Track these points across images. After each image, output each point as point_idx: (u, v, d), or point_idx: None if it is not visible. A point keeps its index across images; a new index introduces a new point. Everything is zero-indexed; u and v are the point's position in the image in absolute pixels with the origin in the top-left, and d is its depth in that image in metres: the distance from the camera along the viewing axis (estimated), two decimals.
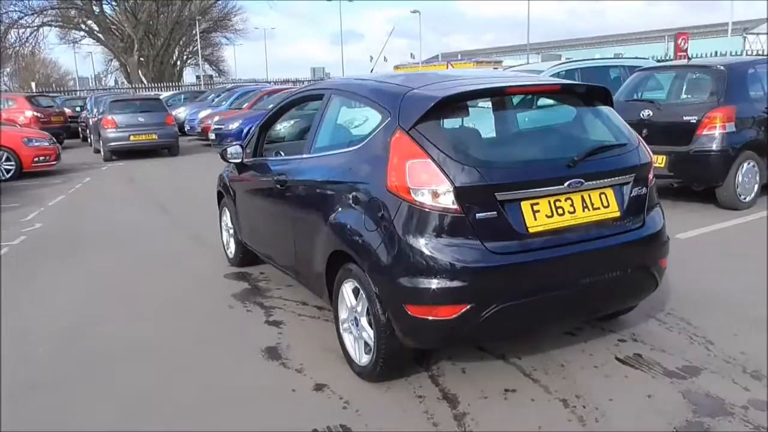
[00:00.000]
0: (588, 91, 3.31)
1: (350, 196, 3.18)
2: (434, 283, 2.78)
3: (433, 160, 2.82)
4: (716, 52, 25.03)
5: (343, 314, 3.40)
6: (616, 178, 3.10)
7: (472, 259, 2.78)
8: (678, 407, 2.87)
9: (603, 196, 3.07)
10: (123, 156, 15.08)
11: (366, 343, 3.20)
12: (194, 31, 52.43)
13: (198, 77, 52.66)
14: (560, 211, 2.94)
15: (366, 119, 3.70)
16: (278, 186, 4.00)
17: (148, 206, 8.84)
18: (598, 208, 3.04)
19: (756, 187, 6.72)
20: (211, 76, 54.75)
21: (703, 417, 2.78)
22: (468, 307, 2.78)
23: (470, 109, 3.07)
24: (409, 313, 2.85)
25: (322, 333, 3.89)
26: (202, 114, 18.99)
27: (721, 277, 4.63)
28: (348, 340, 3.38)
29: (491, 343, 3.47)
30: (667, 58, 25.80)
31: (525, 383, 3.14)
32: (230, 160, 4.74)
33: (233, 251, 5.39)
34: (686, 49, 30.79)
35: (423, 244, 2.80)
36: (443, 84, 3.19)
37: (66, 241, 6.83)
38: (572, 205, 2.98)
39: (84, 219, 8.11)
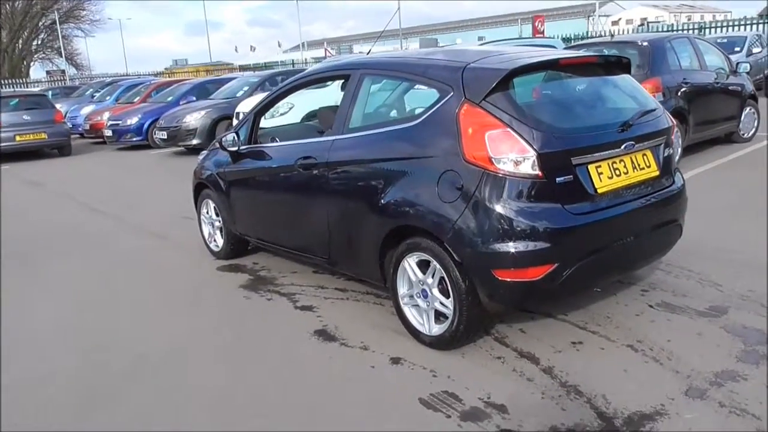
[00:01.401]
0: (616, 61, 3.58)
1: (413, 171, 3.24)
2: (522, 246, 2.93)
3: (513, 129, 2.95)
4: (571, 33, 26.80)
5: (403, 289, 3.45)
6: (655, 140, 3.40)
7: (555, 221, 2.95)
8: (728, 340, 3.22)
9: (645, 157, 3.35)
10: (7, 159, 13.78)
11: (439, 313, 3.28)
12: (42, 22, 48.58)
13: (48, 72, 48.88)
14: (617, 172, 3.19)
15: (414, 95, 3.74)
16: (301, 170, 3.94)
17: (81, 210, 8.23)
18: (644, 168, 3.32)
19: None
20: (63, 71, 50.99)
21: (755, 345, 3.14)
22: (554, 266, 2.96)
23: (528, 80, 3.22)
24: (497, 277, 2.97)
25: (362, 312, 3.92)
26: (86, 110, 17.75)
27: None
28: (412, 313, 3.44)
29: (568, 298, 3.64)
30: (588, 35, 27.17)
31: (586, 335, 3.38)
32: (229, 149, 4.58)
33: (221, 244, 5.21)
34: (543, 30, 32.89)
35: (508, 210, 2.93)
36: (493, 58, 3.32)
37: (16, 247, 6.23)
38: (625, 166, 3.23)
39: (17, 225, 7.40)
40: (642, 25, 40.17)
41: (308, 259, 4.35)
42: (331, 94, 8.68)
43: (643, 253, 3.46)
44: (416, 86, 3.54)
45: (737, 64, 8.62)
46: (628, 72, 3.68)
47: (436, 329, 3.31)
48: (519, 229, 2.92)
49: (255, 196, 4.63)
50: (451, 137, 3.09)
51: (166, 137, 12.82)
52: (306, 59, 43.05)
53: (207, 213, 5.32)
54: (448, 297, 3.20)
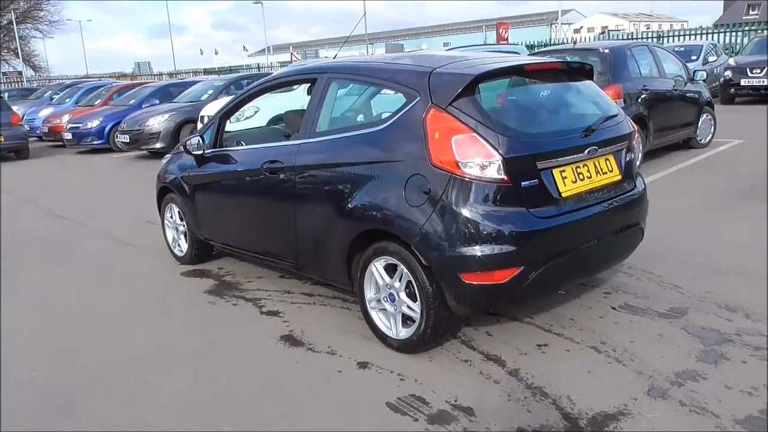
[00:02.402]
0: (578, 67, 3.65)
1: (380, 175, 3.25)
2: (488, 250, 2.95)
3: (479, 134, 2.98)
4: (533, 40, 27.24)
5: (370, 293, 3.46)
6: (617, 145, 3.47)
7: (521, 225, 2.99)
8: (688, 341, 3.30)
9: (607, 161, 3.42)
10: None
11: (407, 317, 3.29)
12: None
13: (4, 74, 47.62)
14: (581, 176, 3.24)
15: (381, 100, 3.75)
16: (267, 174, 3.92)
17: (43, 215, 8.03)
18: (606, 173, 3.39)
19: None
20: (20, 72, 49.76)
21: (713, 345, 3.23)
22: (519, 269, 2.99)
23: (494, 85, 3.26)
24: (463, 280, 2.99)
25: (329, 316, 3.91)
26: (45, 113, 17.38)
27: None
28: (379, 317, 3.44)
29: (534, 300, 3.68)
30: (551, 42, 27.51)
31: (551, 338, 3.42)
32: (193, 152, 4.52)
33: (185, 249, 5.14)
34: (507, 37, 33.38)
35: (475, 213, 2.95)
36: (459, 64, 3.35)
37: None
38: (589, 170, 3.29)
39: None
40: (603, 33, 41.05)
41: (275, 264, 4.32)
42: (297, 98, 8.71)
43: (607, 256, 3.53)
44: (383, 91, 3.55)
45: (694, 72, 8.85)
46: (591, 78, 3.75)
47: (404, 333, 3.31)
48: (485, 232, 2.95)
49: (220, 200, 4.59)
50: (418, 141, 3.11)
51: (128, 141, 12.61)
52: (271, 63, 42.88)
53: (171, 217, 5.25)
54: (415, 300, 3.21)
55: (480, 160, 2.95)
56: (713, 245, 4.79)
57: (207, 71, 40.00)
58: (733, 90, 14.55)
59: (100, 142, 13.99)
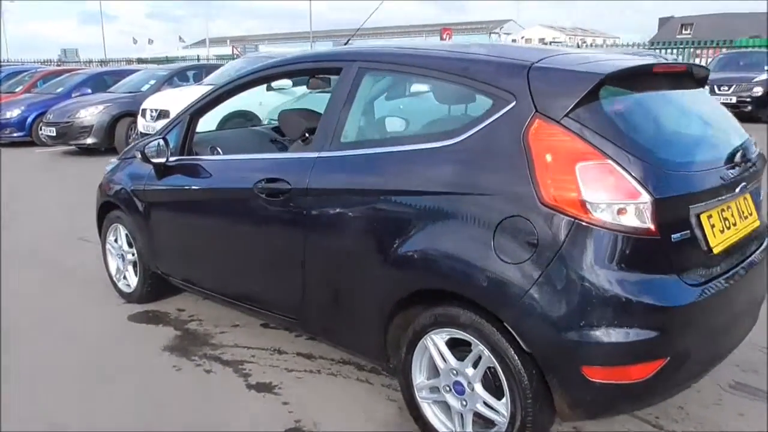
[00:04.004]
0: (697, 72, 2.72)
1: (452, 212, 2.23)
2: (625, 335, 1.98)
3: (617, 162, 2.01)
4: None
5: (421, 377, 2.44)
6: (758, 180, 2.58)
7: (672, 298, 2.03)
8: None
9: (746, 201, 2.51)
10: None
11: (482, 418, 2.28)
12: None
13: None
14: (727, 222, 2.32)
15: (445, 104, 2.71)
16: (263, 196, 2.83)
17: None
18: (747, 217, 2.48)
19: None
20: None
21: None
22: (665, 361, 2.04)
23: (617, 92, 2.28)
24: (586, 377, 2.01)
25: (346, 395, 2.86)
26: None
27: None
28: (434, 412, 2.43)
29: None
30: None
31: None
32: (153, 160, 3.36)
33: (134, 284, 3.95)
34: None
35: (609, 280, 1.98)
36: (561, 58, 2.38)
37: None
38: (732, 214, 2.37)
39: None
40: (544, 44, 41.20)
41: (265, 315, 3.22)
42: (255, 95, 7.54)
43: (745, 330, 2.61)
44: (448, 90, 2.53)
45: None
46: (703, 85, 2.83)
47: None
48: (623, 308, 1.98)
49: (189, 225, 3.44)
50: (515, 166, 2.11)
51: (54, 134, 11.01)
52: (209, 56, 40.80)
53: (116, 242, 4.03)
54: (500, 397, 2.20)
55: (619, 200, 1.98)
56: None
57: (141, 61, 37.70)
58: None
59: (20, 134, 12.28)
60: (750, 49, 17.69)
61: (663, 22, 60.31)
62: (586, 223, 1.98)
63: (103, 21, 62.61)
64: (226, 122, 7.82)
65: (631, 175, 1.99)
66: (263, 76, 3.24)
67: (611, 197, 1.99)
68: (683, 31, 55.47)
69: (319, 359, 3.20)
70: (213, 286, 3.42)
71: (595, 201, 1.98)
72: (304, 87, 8.88)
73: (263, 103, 8.38)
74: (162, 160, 3.37)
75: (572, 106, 2.08)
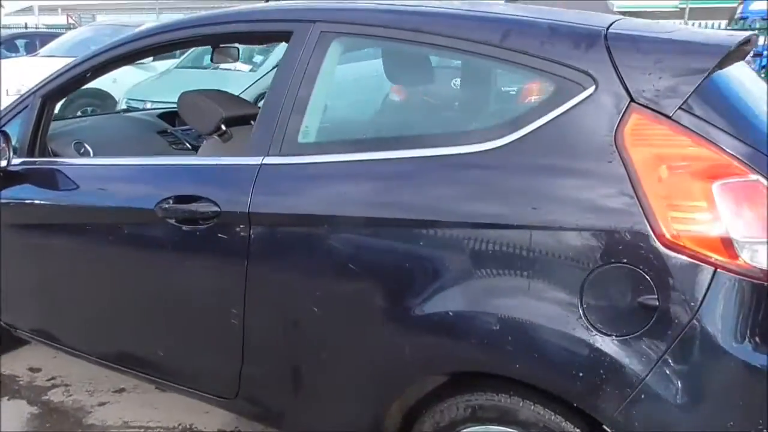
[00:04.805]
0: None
1: (503, 255, 1.46)
2: None
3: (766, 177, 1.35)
4: None
5: None
6: None
7: None
8: None
9: None
10: None
11: None
12: None
13: None
14: None
15: (471, 86, 1.87)
16: (173, 222, 1.89)
17: None
18: None
19: None
20: None
21: None
22: None
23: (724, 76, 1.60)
24: None
25: None
26: None
27: None
28: None
29: None
30: None
31: None
32: None
33: None
34: None
35: None
36: (636, 23, 1.68)
37: None
38: None
39: None
40: None
41: (171, 388, 2.26)
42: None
43: None
44: (474, 69, 1.74)
45: None
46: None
47: None
48: None
49: (46, 259, 2.36)
50: (607, 185, 1.39)
51: None
52: (38, 25, 36.37)
53: None
54: None
55: None
56: None
57: None
58: None
59: None
60: None
61: None
62: (735, 271, 1.30)
63: None
64: (69, 105, 6.44)
65: None
66: (154, 44, 2.21)
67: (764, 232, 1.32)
68: None
69: None
70: (86, 344, 2.37)
71: (746, 238, 1.31)
72: (166, 61, 7.73)
73: (117, 80, 6.93)
74: (2, 163, 2.26)
75: (690, 92, 1.39)
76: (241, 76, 5.98)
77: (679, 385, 1.32)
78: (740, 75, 1.65)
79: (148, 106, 5.44)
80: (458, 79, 1.92)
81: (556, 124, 1.46)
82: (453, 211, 1.51)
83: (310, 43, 1.79)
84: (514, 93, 1.76)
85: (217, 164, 1.97)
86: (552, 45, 1.51)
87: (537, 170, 1.46)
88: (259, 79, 3.21)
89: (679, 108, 1.38)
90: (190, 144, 2.81)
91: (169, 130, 2.86)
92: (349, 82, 1.95)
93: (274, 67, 3.57)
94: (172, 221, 1.88)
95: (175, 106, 2.43)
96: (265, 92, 3.16)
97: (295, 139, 1.77)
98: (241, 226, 1.77)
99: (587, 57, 1.47)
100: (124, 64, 2.33)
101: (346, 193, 1.67)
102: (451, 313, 1.50)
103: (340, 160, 1.70)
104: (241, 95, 3.17)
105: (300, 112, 1.77)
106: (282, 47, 1.99)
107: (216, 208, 1.80)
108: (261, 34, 2.10)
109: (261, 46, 5.14)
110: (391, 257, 1.59)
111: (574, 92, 1.45)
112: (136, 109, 4.59)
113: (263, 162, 1.78)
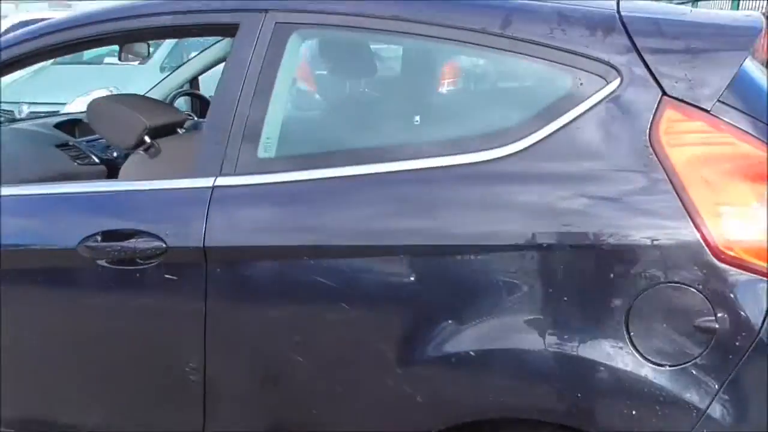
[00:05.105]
0: None
1: (522, 279, 1.26)
2: None
3: None
4: None
5: None
6: None
7: None
8: None
9: None
10: None
11: None
12: None
13: None
14: None
15: (471, 83, 1.60)
16: (105, 263, 1.53)
17: None
18: None
19: None
20: None
21: None
22: None
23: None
24: None
25: None
26: None
27: None
28: None
29: None
30: None
31: None
32: None
33: None
34: None
35: None
36: (646, 3, 1.51)
37: None
38: None
39: None
40: None
41: None
42: None
43: None
44: (473, 62, 1.50)
45: None
46: None
47: None
48: None
49: None
50: (645, 192, 1.22)
51: None
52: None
53: None
54: None
55: None
56: None
57: None
58: None
59: None
60: None
61: None
62: None
63: None
64: None
65: None
66: (54, 45, 1.79)
67: None
68: None
69: None
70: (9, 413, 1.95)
71: None
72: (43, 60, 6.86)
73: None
74: None
75: (729, 82, 1.23)
76: (131, 70, 5.44)
77: (746, 415, 1.17)
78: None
79: (24, 109, 4.81)
80: (450, 79, 1.69)
81: (577, 124, 1.26)
82: (468, 234, 1.28)
83: (263, 38, 1.48)
84: (516, 89, 1.54)
85: (153, 188, 1.61)
86: (563, 32, 1.31)
87: (560, 180, 1.26)
88: (167, 76, 2.80)
89: (718, 101, 1.22)
90: (98, 158, 2.39)
91: (71, 143, 2.41)
92: (323, 81, 1.65)
93: (183, 64, 3.17)
94: (103, 262, 1.53)
95: (66, 110, 2.01)
96: (179, 91, 2.81)
97: (254, 155, 1.47)
98: (195, 264, 1.46)
99: (606, 45, 1.28)
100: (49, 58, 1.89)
101: (327, 216, 1.40)
102: (472, 353, 1.28)
103: (314, 177, 1.42)
104: (148, 95, 2.77)
105: (258, 121, 1.47)
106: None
107: (160, 244, 1.47)
108: (198, 27, 1.75)
109: None
110: (394, 291, 1.35)
111: (596, 86, 1.26)
112: (11, 114, 4.01)
113: (216, 184, 1.47)
